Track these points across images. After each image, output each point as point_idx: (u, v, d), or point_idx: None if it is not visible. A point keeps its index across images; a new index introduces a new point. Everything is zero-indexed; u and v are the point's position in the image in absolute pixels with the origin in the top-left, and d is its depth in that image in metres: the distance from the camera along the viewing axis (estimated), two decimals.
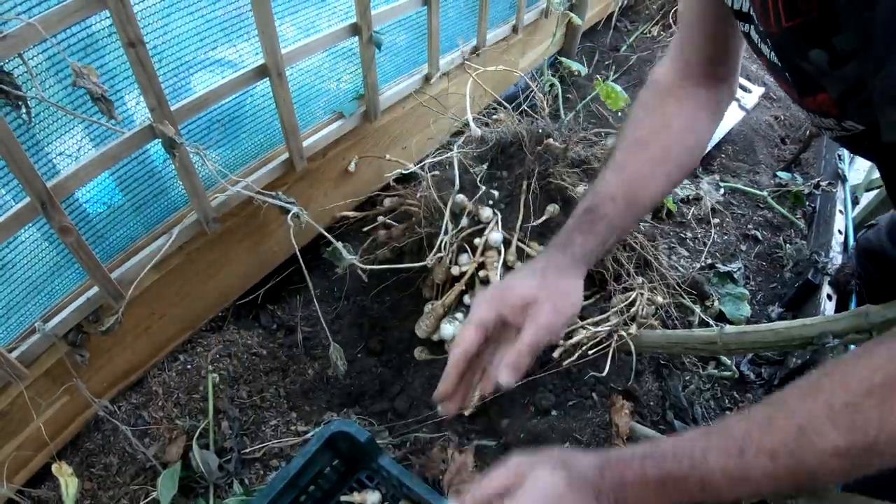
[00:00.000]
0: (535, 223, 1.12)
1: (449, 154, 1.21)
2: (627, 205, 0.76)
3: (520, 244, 1.14)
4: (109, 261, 1.02)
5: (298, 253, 1.13)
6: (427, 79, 1.51)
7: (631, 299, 1.15)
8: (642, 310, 1.14)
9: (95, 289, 0.98)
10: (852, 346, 0.84)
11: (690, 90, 0.82)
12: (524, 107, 1.49)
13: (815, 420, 0.49)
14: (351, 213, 1.44)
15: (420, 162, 1.34)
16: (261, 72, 1.04)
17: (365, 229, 1.43)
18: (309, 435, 1.14)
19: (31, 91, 0.77)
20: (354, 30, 1.19)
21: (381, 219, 1.41)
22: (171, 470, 1.04)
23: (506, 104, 1.44)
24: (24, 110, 0.77)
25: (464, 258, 1.14)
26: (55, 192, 0.83)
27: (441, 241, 1.13)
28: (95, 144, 0.92)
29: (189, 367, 1.23)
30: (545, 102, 1.39)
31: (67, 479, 0.98)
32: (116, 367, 1.10)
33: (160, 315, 1.14)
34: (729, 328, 0.96)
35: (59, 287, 0.97)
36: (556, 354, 1.10)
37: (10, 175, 0.80)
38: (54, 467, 0.98)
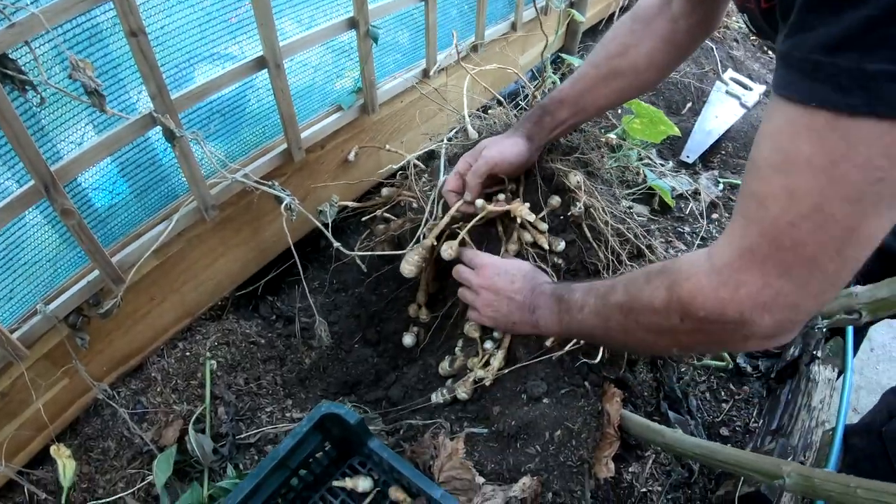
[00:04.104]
0: (540, 216, 1.13)
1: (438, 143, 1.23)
2: (574, 109, 1.04)
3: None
4: (110, 245, 1.04)
5: (292, 244, 1.14)
6: (425, 73, 1.53)
7: None
8: None
9: (96, 272, 1.00)
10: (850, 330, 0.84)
11: (665, 22, 0.93)
12: (523, 104, 1.51)
13: (617, 285, 0.76)
14: (350, 203, 1.46)
15: (416, 154, 1.36)
16: (259, 63, 1.07)
17: (364, 219, 1.45)
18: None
19: (38, 77, 0.80)
20: (352, 24, 1.21)
21: (379, 212, 1.43)
22: (166, 453, 1.05)
23: (503, 101, 1.45)
24: (32, 94, 0.80)
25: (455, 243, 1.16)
26: (58, 176, 0.86)
27: (421, 233, 1.15)
28: (99, 132, 0.94)
29: (188, 353, 1.25)
30: (540, 97, 1.40)
31: (65, 461, 1.00)
32: (116, 351, 1.12)
33: (160, 301, 1.16)
34: None
35: (61, 270, 0.99)
36: (548, 343, 1.11)
37: (15, 158, 0.82)
38: (52, 449, 1.00)
